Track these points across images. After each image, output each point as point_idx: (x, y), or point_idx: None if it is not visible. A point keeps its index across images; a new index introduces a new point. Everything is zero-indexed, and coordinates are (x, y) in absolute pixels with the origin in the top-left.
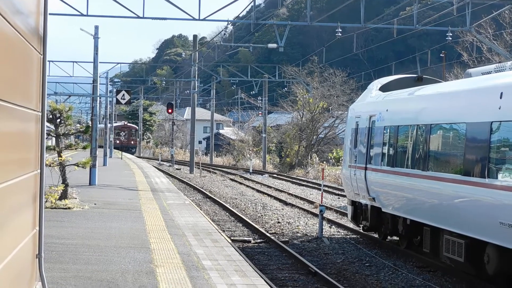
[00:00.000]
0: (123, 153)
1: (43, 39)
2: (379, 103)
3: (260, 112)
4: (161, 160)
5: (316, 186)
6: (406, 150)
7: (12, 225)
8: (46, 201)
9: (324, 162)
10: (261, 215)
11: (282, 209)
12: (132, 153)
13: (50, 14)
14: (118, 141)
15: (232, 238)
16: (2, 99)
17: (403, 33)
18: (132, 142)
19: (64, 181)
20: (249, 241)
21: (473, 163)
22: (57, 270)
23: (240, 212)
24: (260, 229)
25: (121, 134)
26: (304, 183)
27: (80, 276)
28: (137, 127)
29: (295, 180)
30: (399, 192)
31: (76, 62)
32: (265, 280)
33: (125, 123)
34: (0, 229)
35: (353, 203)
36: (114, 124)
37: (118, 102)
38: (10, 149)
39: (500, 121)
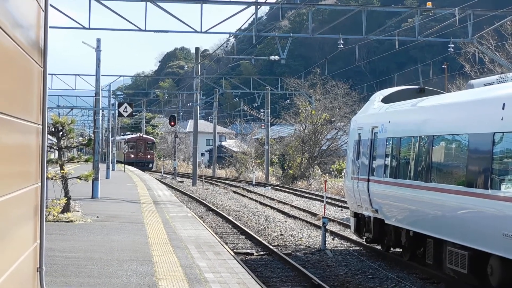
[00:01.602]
0: (126, 166)
1: (44, 52)
2: (382, 114)
3: (262, 124)
4: (164, 173)
5: (318, 198)
6: (408, 162)
7: (13, 238)
8: (48, 214)
9: (327, 174)
10: (264, 227)
11: (285, 221)
12: (149, 169)
13: (52, 27)
14: (132, 155)
15: (235, 250)
16: (2, 112)
17: (405, 45)
18: (149, 156)
19: (66, 194)
20: (252, 254)
21: (476, 174)
22: (59, 283)
23: (243, 225)
24: (263, 241)
25: (136, 147)
26: (306, 195)
27: None
28: (154, 139)
29: (297, 192)
30: (402, 204)
31: (78, 75)
32: None
33: (141, 134)
34: (1, 242)
35: (356, 215)
36: (128, 136)
37: (120, 114)
38: (10, 162)
39: (503, 132)
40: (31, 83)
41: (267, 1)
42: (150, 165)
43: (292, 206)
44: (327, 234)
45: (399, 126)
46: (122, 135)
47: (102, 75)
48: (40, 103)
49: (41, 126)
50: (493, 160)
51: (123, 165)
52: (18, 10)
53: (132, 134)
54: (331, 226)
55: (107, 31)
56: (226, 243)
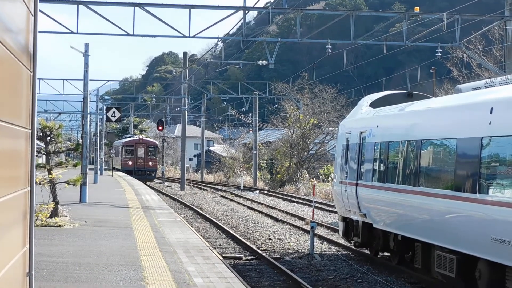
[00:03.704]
0: (117, 172)
1: (33, 57)
2: (370, 119)
3: (250, 129)
4: None
5: (307, 202)
6: (397, 166)
7: (2, 243)
8: (36, 219)
9: (315, 178)
10: (252, 232)
11: (273, 225)
12: (151, 179)
13: (40, 32)
14: (130, 162)
15: (223, 255)
16: None
17: (393, 49)
18: (151, 163)
19: (54, 199)
20: (240, 258)
21: (464, 178)
22: None
23: (231, 229)
24: (252, 245)
25: (134, 152)
26: (295, 199)
27: None
28: (156, 143)
29: (286, 197)
30: (390, 208)
31: (66, 79)
32: None
33: (141, 137)
34: None
35: (344, 219)
36: (125, 139)
37: (108, 119)
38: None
39: (491, 137)
40: (21, 88)
41: (255, 6)
42: (153, 174)
43: (280, 210)
44: (315, 239)
45: (387, 131)
46: (124, 137)
47: (90, 80)
48: (29, 107)
49: (30, 131)
50: (481, 165)
51: (111, 170)
52: (7, 14)
53: (132, 136)
54: (319, 231)
55: (95, 36)
56: (215, 248)
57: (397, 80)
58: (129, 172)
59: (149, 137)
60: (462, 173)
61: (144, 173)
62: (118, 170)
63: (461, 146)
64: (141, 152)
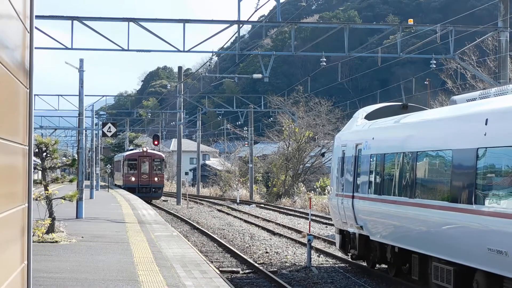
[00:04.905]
0: (115, 188)
1: (29, 73)
2: (365, 131)
3: (246, 143)
4: None
5: (303, 215)
6: (393, 178)
7: (0, 259)
8: (33, 235)
9: (312, 191)
10: (249, 246)
11: (270, 239)
12: (158, 197)
13: (35, 48)
14: (133, 178)
15: (220, 269)
16: None
17: (387, 62)
18: (156, 179)
19: (51, 214)
20: (237, 272)
21: (460, 189)
22: None
23: (228, 243)
24: (249, 259)
25: (137, 167)
26: (291, 212)
27: None
28: (163, 156)
29: (282, 210)
30: (386, 220)
31: (61, 95)
32: None
33: (145, 149)
34: None
35: (341, 232)
36: (127, 153)
37: (104, 134)
38: None
39: (486, 147)
40: (17, 105)
41: (249, 20)
42: (159, 191)
43: (277, 223)
44: (312, 251)
45: (382, 143)
46: (126, 150)
47: (85, 95)
48: (26, 124)
49: (27, 147)
50: (476, 175)
51: (107, 185)
52: (3, 32)
53: (134, 149)
54: (316, 243)
55: (90, 51)
56: (212, 262)
57: (392, 92)
58: (132, 189)
59: (153, 149)
60: (458, 184)
61: (149, 190)
62: (119, 187)
63: (456, 157)
64: (145, 166)
